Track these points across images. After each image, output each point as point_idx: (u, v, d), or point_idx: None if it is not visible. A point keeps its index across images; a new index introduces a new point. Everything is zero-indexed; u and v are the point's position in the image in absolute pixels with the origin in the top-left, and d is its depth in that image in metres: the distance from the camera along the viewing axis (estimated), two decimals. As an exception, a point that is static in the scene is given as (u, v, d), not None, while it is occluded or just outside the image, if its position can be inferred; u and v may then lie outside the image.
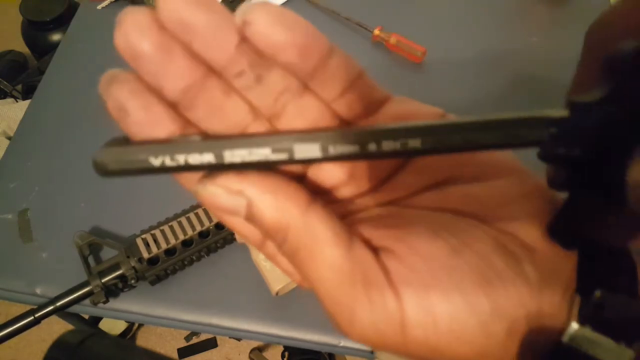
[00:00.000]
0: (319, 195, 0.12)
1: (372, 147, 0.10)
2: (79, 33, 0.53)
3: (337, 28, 0.50)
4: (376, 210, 0.13)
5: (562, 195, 0.11)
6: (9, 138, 0.65)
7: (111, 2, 0.54)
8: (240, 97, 0.11)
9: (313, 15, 0.50)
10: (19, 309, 0.36)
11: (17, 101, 0.76)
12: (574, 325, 0.10)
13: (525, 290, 0.10)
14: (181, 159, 0.10)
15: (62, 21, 0.71)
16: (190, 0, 0.10)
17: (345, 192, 0.13)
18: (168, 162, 0.10)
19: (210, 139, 0.10)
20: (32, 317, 0.34)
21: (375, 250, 0.11)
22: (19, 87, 0.78)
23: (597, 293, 0.10)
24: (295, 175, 0.12)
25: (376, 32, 0.47)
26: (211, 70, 0.10)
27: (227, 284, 0.38)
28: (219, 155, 0.10)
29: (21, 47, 0.84)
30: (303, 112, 0.11)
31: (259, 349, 0.80)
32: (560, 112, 0.09)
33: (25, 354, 0.62)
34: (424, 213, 0.12)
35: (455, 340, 0.10)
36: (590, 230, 0.10)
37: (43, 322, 0.35)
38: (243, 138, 0.10)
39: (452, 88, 0.46)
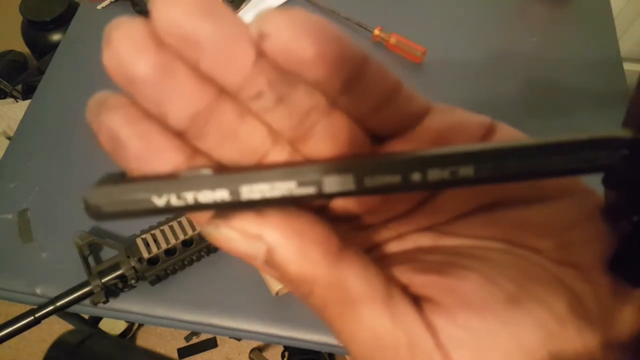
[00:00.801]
0: (344, 220, 0.11)
1: (416, 177, 0.08)
2: (79, 33, 0.53)
3: (337, 28, 0.49)
4: (413, 238, 0.11)
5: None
6: (9, 138, 0.65)
7: (111, 2, 0.54)
8: (256, 118, 0.09)
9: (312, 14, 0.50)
10: (19, 309, 0.35)
11: (17, 101, 0.76)
12: None
13: (590, 337, 0.09)
14: (190, 197, 0.08)
15: (62, 21, 0.71)
16: (192, 6, 0.08)
17: (376, 217, 0.11)
18: (174, 201, 0.08)
19: (224, 173, 0.08)
20: (32, 317, 0.34)
21: (416, 300, 0.10)
22: (19, 87, 0.78)
23: None
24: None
25: (376, 32, 0.47)
26: (223, 90, 0.09)
27: (227, 284, 0.38)
28: (235, 192, 0.08)
29: (21, 47, 0.84)
30: (332, 134, 0.09)
31: (259, 349, 0.80)
32: (628, 132, 0.08)
33: (25, 354, 0.62)
34: (471, 247, 0.10)
35: None
36: None
37: (43, 322, 0.35)
38: (263, 170, 0.08)
39: (452, 88, 0.46)
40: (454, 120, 0.10)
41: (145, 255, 0.35)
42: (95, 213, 0.08)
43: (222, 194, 0.08)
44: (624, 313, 0.09)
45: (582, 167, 0.08)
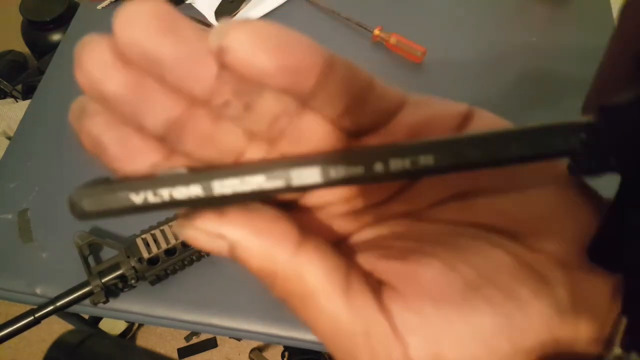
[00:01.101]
0: (322, 209, 0.11)
1: (378, 167, 0.09)
2: (79, 33, 0.53)
3: (337, 28, 0.49)
4: (389, 224, 0.11)
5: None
6: (9, 138, 0.65)
7: (111, 2, 0.54)
8: (230, 121, 0.09)
9: (313, 15, 0.49)
10: (19, 309, 0.35)
11: (17, 101, 0.76)
12: (617, 351, 0.09)
13: (556, 320, 0.09)
14: (165, 193, 0.09)
15: (62, 21, 0.71)
16: (152, 24, 0.08)
17: (354, 204, 0.11)
18: (151, 198, 0.09)
19: (197, 170, 0.09)
20: (32, 317, 0.34)
21: (377, 285, 0.10)
22: (19, 87, 0.78)
23: None
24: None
25: (376, 32, 0.47)
26: (195, 99, 0.09)
27: (227, 284, 0.38)
28: (207, 187, 0.09)
29: (21, 47, 0.84)
30: (305, 134, 0.10)
31: (259, 349, 0.80)
32: (588, 118, 0.08)
33: (25, 354, 0.61)
34: (443, 232, 0.11)
35: None
36: (636, 249, 0.09)
37: (43, 322, 0.35)
38: (233, 167, 0.09)
39: (452, 88, 0.46)
40: (427, 113, 0.10)
41: (145, 255, 0.35)
42: (79, 212, 0.09)
43: (195, 190, 0.09)
44: (599, 302, 0.09)
45: (541, 153, 0.08)
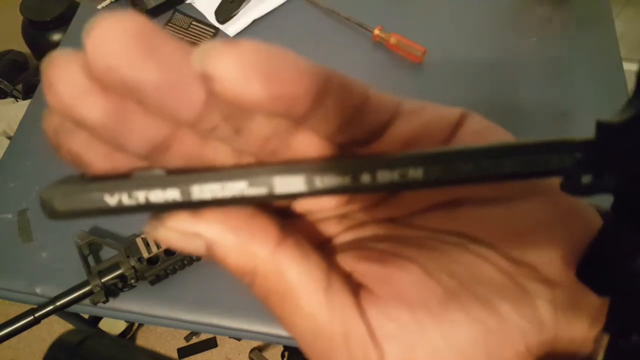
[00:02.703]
0: (306, 214, 0.11)
1: (365, 178, 0.08)
2: (79, 33, 0.52)
3: (337, 28, 0.49)
4: (371, 227, 0.11)
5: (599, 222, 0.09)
6: (9, 138, 0.65)
7: (111, 2, 0.54)
8: (221, 142, 0.09)
9: (312, 14, 0.49)
10: (19, 308, 0.35)
11: (17, 101, 0.76)
12: None
13: (535, 338, 0.09)
14: (141, 196, 0.08)
15: (62, 21, 0.71)
16: (127, 47, 0.07)
17: (340, 210, 0.11)
18: (126, 200, 0.08)
19: (175, 172, 0.08)
20: (31, 317, 0.34)
21: (356, 287, 0.10)
22: (19, 86, 0.78)
23: (635, 337, 0.08)
24: None
25: (376, 32, 0.47)
26: (181, 123, 0.08)
27: (227, 284, 0.38)
28: (185, 192, 0.08)
29: (21, 47, 0.84)
30: (299, 151, 0.09)
31: (259, 349, 0.80)
32: (587, 136, 0.08)
33: (25, 354, 0.61)
34: (426, 238, 0.11)
35: None
36: (627, 273, 0.09)
37: (43, 321, 0.35)
38: (215, 172, 0.08)
39: (453, 88, 0.46)
40: (420, 123, 0.10)
41: (145, 254, 0.35)
42: (50, 211, 0.08)
43: (173, 194, 0.08)
44: (581, 318, 0.09)
45: (533, 171, 0.08)
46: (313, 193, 0.09)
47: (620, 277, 0.09)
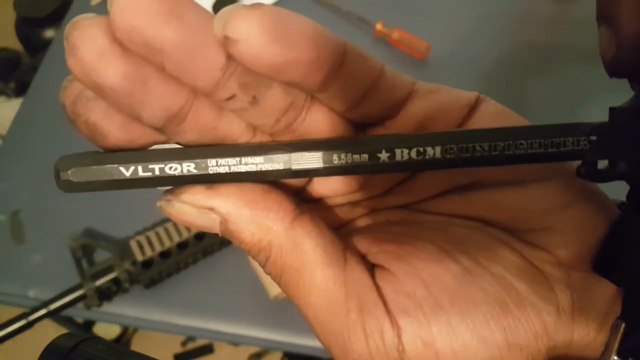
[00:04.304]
0: (322, 199, 0.11)
1: (383, 156, 0.08)
2: None
3: (338, 23, 0.48)
4: (385, 214, 0.11)
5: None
6: (1, 137, 0.64)
7: (106, -3, 0.53)
8: (235, 114, 0.09)
9: (312, 9, 0.49)
10: (11, 312, 0.35)
11: (10, 99, 0.75)
12: (614, 358, 0.09)
13: (552, 319, 0.09)
14: (156, 168, 0.08)
15: (55, 18, 0.70)
16: (153, 9, 0.07)
17: (354, 196, 0.11)
18: (141, 172, 0.08)
19: (191, 146, 0.09)
20: (24, 321, 0.34)
21: (371, 268, 0.10)
22: (12, 84, 0.77)
23: None
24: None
25: (378, 27, 0.46)
26: (198, 91, 0.08)
27: (224, 288, 0.37)
28: (201, 165, 0.08)
29: (15, 44, 0.83)
30: (312, 128, 0.09)
31: (257, 355, 0.79)
32: (600, 121, 0.08)
33: (18, 358, 0.63)
34: (440, 222, 0.11)
35: None
36: None
37: (36, 325, 0.34)
38: (232, 146, 0.09)
39: (457, 85, 0.45)
40: (436, 103, 0.10)
41: (139, 258, 0.35)
42: (65, 183, 0.08)
43: (189, 167, 0.08)
44: (599, 304, 0.09)
45: (550, 152, 0.08)
46: (330, 170, 0.08)
47: (636, 267, 0.09)
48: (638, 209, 0.08)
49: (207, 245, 0.36)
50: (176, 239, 0.35)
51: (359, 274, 0.09)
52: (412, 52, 0.46)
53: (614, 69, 0.08)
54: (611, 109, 0.08)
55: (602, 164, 0.08)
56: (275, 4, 0.49)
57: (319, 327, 0.09)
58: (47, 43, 0.58)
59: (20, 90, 0.76)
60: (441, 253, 0.10)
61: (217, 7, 0.49)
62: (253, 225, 0.09)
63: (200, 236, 0.36)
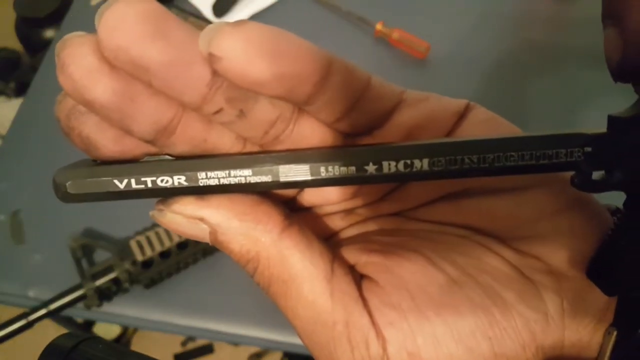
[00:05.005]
0: (312, 208, 0.11)
1: (370, 169, 0.08)
2: (73, 30, 0.50)
3: (338, 23, 0.48)
4: (377, 222, 0.11)
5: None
6: (1, 137, 0.64)
7: (106, -3, 0.53)
8: (224, 127, 0.09)
9: (312, 9, 0.48)
10: (11, 312, 0.35)
11: (9, 99, 0.75)
12: None
13: (540, 327, 0.09)
14: (149, 181, 0.09)
15: (55, 18, 0.70)
16: (137, 28, 0.07)
17: (346, 204, 0.11)
18: (134, 185, 0.09)
19: (183, 159, 0.09)
20: (24, 321, 0.34)
21: (359, 278, 0.10)
22: (12, 84, 0.77)
23: None
24: None
25: (378, 27, 0.46)
26: (186, 106, 0.08)
27: (224, 288, 0.37)
28: (192, 178, 0.09)
29: (15, 44, 0.83)
30: (301, 139, 0.09)
31: (257, 355, 0.79)
32: (598, 129, 0.08)
33: (18, 358, 0.63)
34: (431, 230, 0.11)
35: None
36: (638, 272, 0.08)
37: (36, 325, 0.34)
38: (221, 158, 0.09)
39: (457, 85, 0.45)
40: (424, 113, 0.10)
41: (139, 258, 0.35)
42: (62, 193, 0.09)
43: (180, 180, 0.09)
44: (590, 311, 0.09)
45: (541, 164, 0.08)
46: (318, 182, 0.09)
47: (632, 276, 0.08)
48: (634, 218, 0.08)
49: (206, 245, 0.36)
50: (176, 239, 0.35)
51: (345, 285, 0.09)
52: (412, 52, 0.46)
53: (620, 73, 0.08)
54: (610, 119, 0.08)
55: (598, 173, 0.08)
56: (274, 4, 0.49)
57: (306, 338, 0.10)
58: (47, 43, 0.58)
59: (20, 90, 0.75)
60: (427, 263, 0.10)
61: (216, 8, 0.49)
62: (242, 236, 0.09)
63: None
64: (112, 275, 0.35)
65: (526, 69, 0.46)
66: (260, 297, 0.39)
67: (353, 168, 0.08)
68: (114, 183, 0.09)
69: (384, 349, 0.09)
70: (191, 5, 0.50)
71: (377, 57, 0.46)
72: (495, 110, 0.10)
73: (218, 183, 0.09)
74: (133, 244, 0.35)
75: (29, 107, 0.47)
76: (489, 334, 0.09)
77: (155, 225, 0.36)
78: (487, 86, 0.45)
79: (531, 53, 0.47)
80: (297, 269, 0.09)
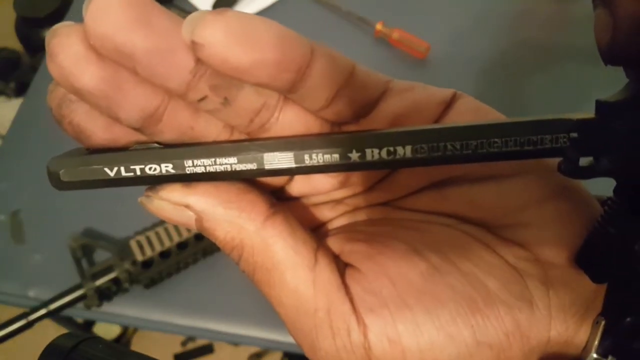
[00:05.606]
0: (304, 197, 0.11)
1: (354, 156, 0.09)
2: None
3: (337, 23, 0.48)
4: (365, 212, 0.11)
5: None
6: (1, 137, 0.64)
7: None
8: (210, 115, 0.09)
9: (312, 9, 0.48)
10: (11, 312, 0.35)
11: (9, 99, 0.75)
12: (593, 356, 0.08)
13: (525, 316, 0.09)
14: (137, 169, 0.09)
15: (56, 18, 0.70)
16: (124, 17, 0.07)
17: (335, 194, 0.11)
18: (124, 173, 0.09)
19: (170, 147, 0.09)
20: (24, 321, 0.34)
21: (343, 267, 0.10)
22: (12, 84, 0.77)
23: (629, 320, 0.08)
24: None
25: (378, 27, 0.46)
26: (171, 93, 0.09)
27: (224, 288, 0.37)
28: (179, 165, 0.09)
29: (15, 44, 0.83)
30: (287, 127, 0.09)
31: (257, 355, 0.79)
32: (585, 114, 0.08)
33: (18, 358, 0.63)
34: (418, 219, 0.11)
35: None
36: (627, 259, 0.08)
37: (36, 325, 0.34)
38: (207, 146, 0.09)
39: (457, 85, 0.44)
40: (410, 102, 0.10)
41: (139, 257, 0.35)
42: (56, 181, 0.09)
43: (167, 167, 0.09)
44: (577, 299, 0.09)
45: (526, 150, 0.08)
46: (302, 170, 0.09)
47: (621, 263, 0.08)
48: (624, 204, 0.08)
49: (207, 245, 0.36)
50: (176, 239, 0.35)
51: (328, 274, 0.10)
52: (412, 52, 0.46)
53: (610, 55, 0.07)
54: (598, 103, 0.07)
55: (586, 159, 0.08)
56: (274, 4, 0.49)
57: (290, 325, 0.10)
58: (47, 43, 0.58)
59: (20, 90, 0.76)
60: (410, 251, 0.10)
61: (216, 7, 0.49)
62: (226, 223, 0.09)
63: (200, 236, 0.36)
64: (112, 275, 0.35)
65: (526, 69, 0.46)
66: (260, 297, 0.38)
67: (337, 155, 0.09)
68: (105, 171, 0.09)
69: (365, 336, 0.09)
70: (191, 5, 0.50)
71: (377, 57, 0.46)
72: (495, 109, 0.10)
73: (204, 171, 0.09)
74: (133, 244, 0.35)
75: (29, 107, 0.47)
76: (470, 322, 0.09)
77: (155, 225, 0.36)
78: (487, 86, 0.45)
79: (531, 53, 0.47)
80: (280, 257, 0.09)
